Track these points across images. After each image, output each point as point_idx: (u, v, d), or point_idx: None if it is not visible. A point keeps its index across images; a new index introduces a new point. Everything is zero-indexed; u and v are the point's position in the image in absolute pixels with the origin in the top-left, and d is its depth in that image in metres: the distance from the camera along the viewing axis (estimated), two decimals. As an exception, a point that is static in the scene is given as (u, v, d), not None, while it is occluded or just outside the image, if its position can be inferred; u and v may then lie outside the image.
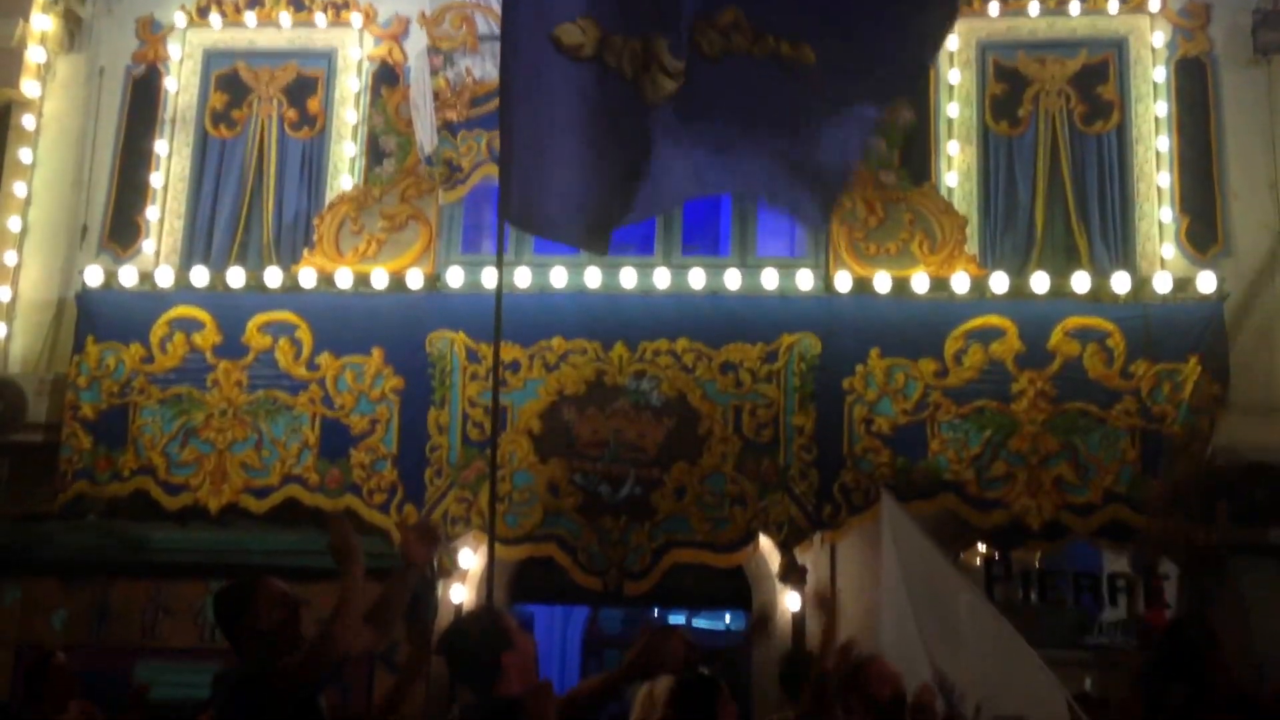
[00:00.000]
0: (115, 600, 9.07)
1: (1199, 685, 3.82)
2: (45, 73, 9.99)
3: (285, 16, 10.00)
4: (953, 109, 9.48)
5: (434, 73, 9.24)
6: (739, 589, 9.18)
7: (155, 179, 9.76)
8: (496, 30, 7.46)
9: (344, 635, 3.44)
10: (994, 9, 9.56)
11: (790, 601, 8.87)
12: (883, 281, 8.86)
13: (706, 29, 5.57)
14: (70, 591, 9.10)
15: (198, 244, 9.64)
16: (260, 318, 9.13)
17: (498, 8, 6.84)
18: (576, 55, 5.63)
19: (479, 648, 3.52)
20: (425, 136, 9.20)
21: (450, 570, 8.99)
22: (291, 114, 9.89)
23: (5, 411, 9.08)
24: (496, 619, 3.80)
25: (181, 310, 9.17)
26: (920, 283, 8.83)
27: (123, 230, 9.74)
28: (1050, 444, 8.50)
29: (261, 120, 9.87)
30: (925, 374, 8.69)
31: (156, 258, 9.57)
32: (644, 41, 5.62)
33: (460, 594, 9.03)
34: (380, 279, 9.19)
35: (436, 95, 9.20)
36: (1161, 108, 9.31)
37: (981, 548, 9.03)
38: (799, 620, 8.85)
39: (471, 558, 9.05)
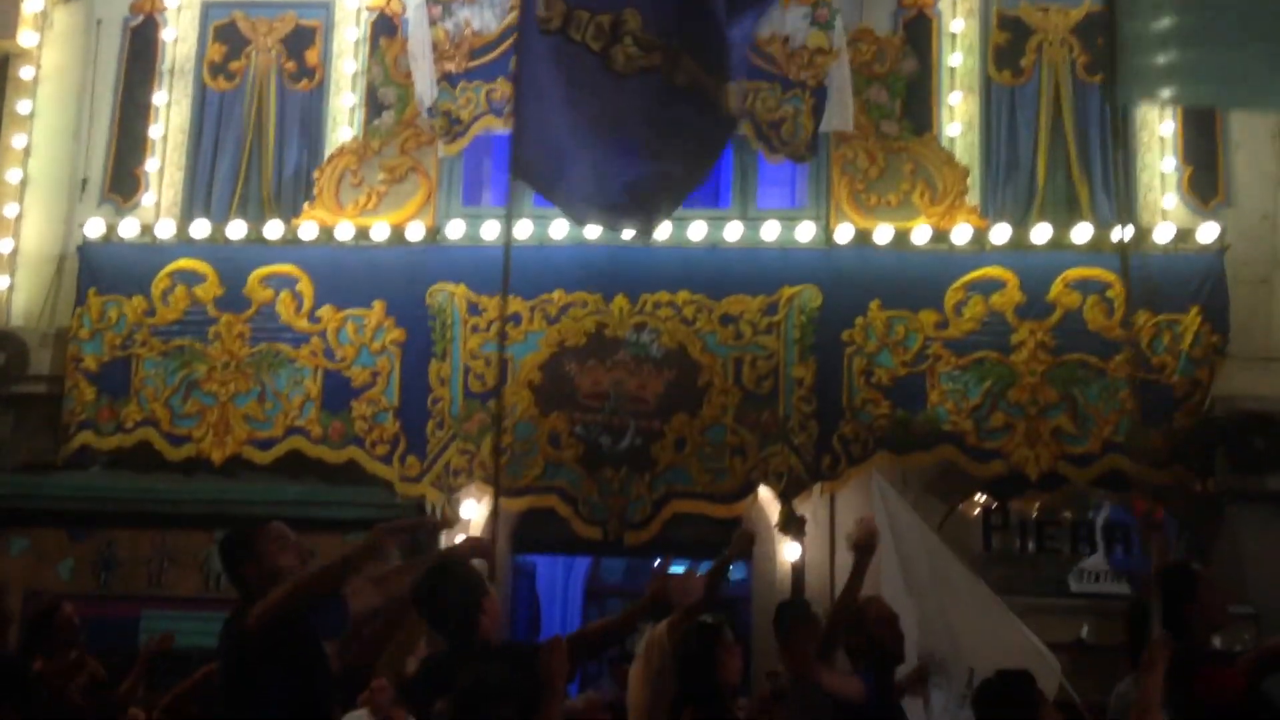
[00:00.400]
0: (121, 550, 9.17)
1: (1178, 636, 3.88)
2: (43, 23, 9.93)
3: (283, -35, 9.92)
4: (955, 59, 9.42)
5: (432, 23, 9.17)
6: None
7: (154, 131, 9.74)
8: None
9: (323, 582, 3.44)
10: (997, -43, 9.47)
11: (789, 552, 8.95)
12: (884, 233, 8.85)
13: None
14: (76, 541, 9.20)
15: (198, 196, 9.63)
16: (261, 271, 9.14)
17: None
18: (545, 28, 5.74)
19: (462, 593, 3.54)
20: (424, 88, 9.16)
21: (453, 521, 9.06)
22: (290, 65, 9.83)
23: (8, 363, 9.13)
24: (469, 566, 3.82)
25: (183, 263, 9.18)
26: (921, 234, 8.83)
27: (123, 182, 9.72)
28: (1049, 395, 8.54)
29: (260, 72, 9.81)
30: (925, 325, 8.71)
31: (157, 210, 9.56)
32: (613, 16, 5.73)
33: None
34: (381, 232, 9.19)
35: (435, 47, 9.14)
36: (1165, 57, 9.23)
37: (980, 498, 9.08)
38: (798, 570, 8.93)
39: (475, 508, 9.12)
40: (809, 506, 8.81)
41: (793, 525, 8.74)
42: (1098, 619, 8.31)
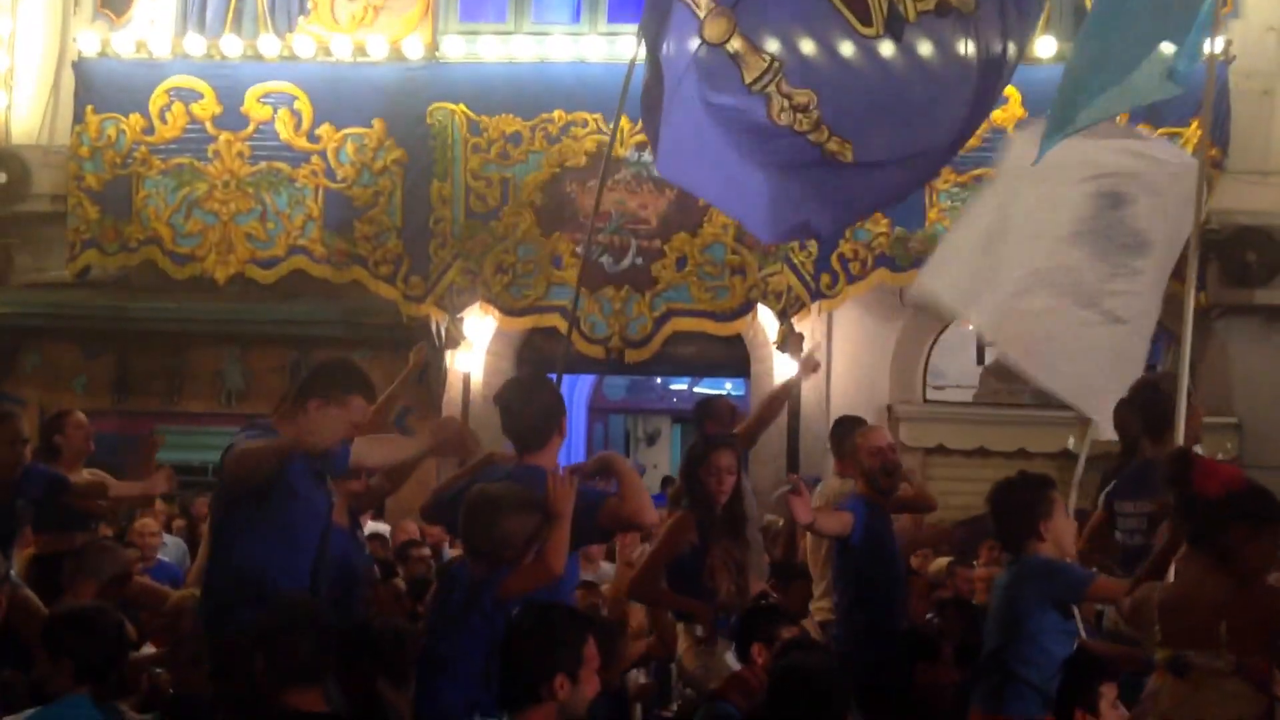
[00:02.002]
0: (134, 367, 9.37)
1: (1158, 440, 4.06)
2: None
3: None
4: None
5: None
6: (738, 357, 9.43)
7: (145, -60, 9.47)
8: None
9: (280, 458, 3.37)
10: None
11: (786, 370, 9.12)
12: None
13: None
14: (89, 359, 9.40)
15: (191, 10, 9.41)
16: (259, 88, 9.05)
17: None
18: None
19: (550, 407, 3.58)
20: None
21: (457, 340, 9.22)
22: None
23: (10, 182, 9.13)
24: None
25: (179, 80, 9.08)
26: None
27: (114, -3, 9.52)
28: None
29: (249, -121, 9.49)
30: (926, 143, 8.68)
31: (151, 25, 9.38)
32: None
33: (466, 363, 9.29)
34: (378, 47, 9.06)
35: None
36: None
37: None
38: (795, 387, 9.12)
39: (478, 328, 9.27)
40: (807, 324, 8.94)
41: (791, 342, 8.89)
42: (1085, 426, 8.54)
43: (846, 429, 5.45)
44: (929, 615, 5.25)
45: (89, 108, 9.08)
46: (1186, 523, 3.14)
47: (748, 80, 5.19)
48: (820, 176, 5.31)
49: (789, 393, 5.16)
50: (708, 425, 5.20)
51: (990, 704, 3.50)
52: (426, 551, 6.44)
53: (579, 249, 8.91)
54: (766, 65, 5.19)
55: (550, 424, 3.59)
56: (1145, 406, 4.32)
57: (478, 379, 9.43)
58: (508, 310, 9.06)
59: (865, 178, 5.39)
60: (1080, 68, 4.28)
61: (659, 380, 11.72)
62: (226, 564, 3.45)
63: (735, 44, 5.20)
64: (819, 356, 7.98)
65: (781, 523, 6.63)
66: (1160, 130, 8.33)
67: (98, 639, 3.20)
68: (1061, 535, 3.66)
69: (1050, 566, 3.56)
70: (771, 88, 5.21)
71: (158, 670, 4.48)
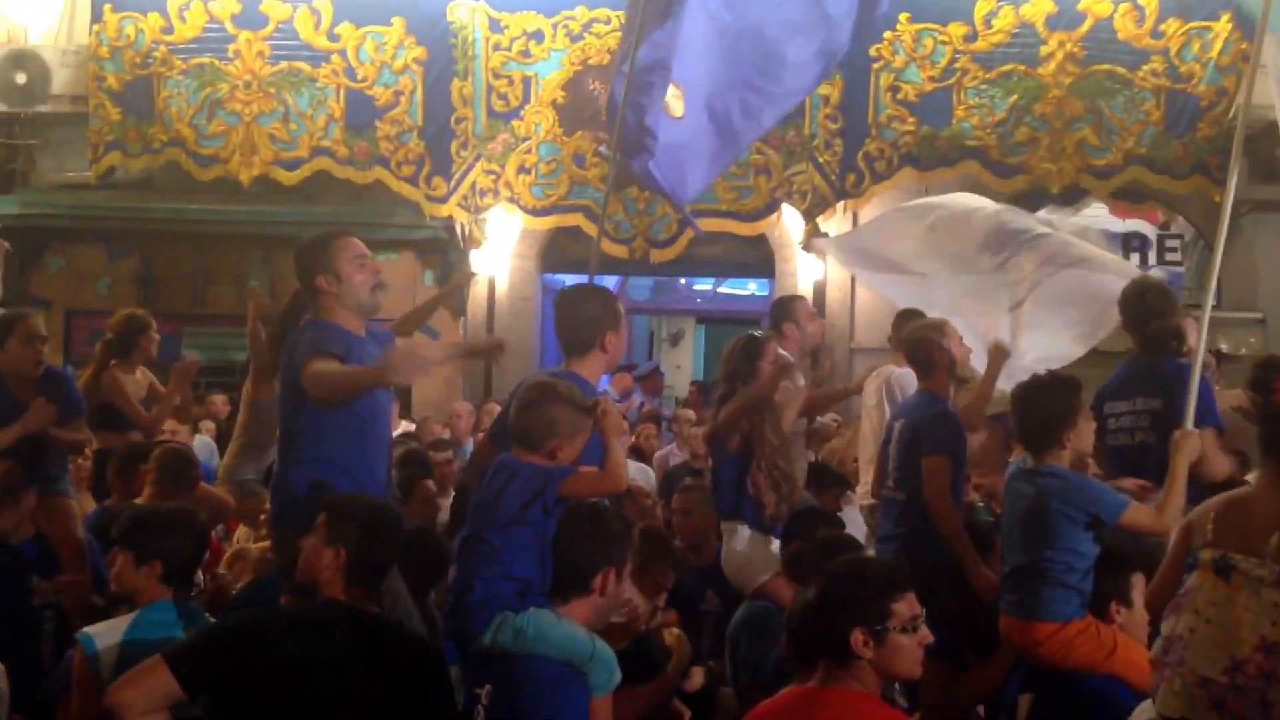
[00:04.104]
0: (159, 269, 9.41)
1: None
2: None
3: None
4: None
5: None
6: (763, 257, 9.42)
7: None
8: None
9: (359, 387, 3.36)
10: None
11: (812, 270, 9.12)
12: (915, -57, 8.57)
13: None
14: (112, 260, 9.44)
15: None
16: (277, -15, 8.96)
17: None
18: None
19: (591, 318, 3.53)
20: None
21: (480, 241, 9.22)
22: None
23: (30, 83, 9.08)
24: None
25: (197, -23, 8.99)
26: (953, -58, 8.54)
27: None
28: (1075, 107, 8.48)
29: None
30: (954, 38, 8.57)
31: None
32: None
33: (490, 265, 9.29)
34: (397, -58, 8.92)
35: None
36: None
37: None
38: (820, 288, 9.13)
39: (501, 229, 9.26)
40: (833, 224, 8.91)
41: (816, 242, 8.86)
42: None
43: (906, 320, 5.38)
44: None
45: (107, 6, 8.98)
46: (1261, 429, 3.12)
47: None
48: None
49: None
50: (786, 327, 5.09)
51: (1026, 610, 3.46)
52: (450, 454, 6.33)
53: (602, 148, 8.86)
54: None
55: (589, 334, 3.52)
56: (1130, 309, 4.34)
57: (502, 281, 9.45)
58: (531, 210, 9.04)
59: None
60: None
61: (683, 281, 11.70)
62: (299, 461, 3.41)
63: None
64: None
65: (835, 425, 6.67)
66: (1190, 24, 8.21)
67: (186, 541, 3.21)
68: (1082, 439, 3.65)
69: (1084, 491, 3.50)
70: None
71: (222, 573, 4.57)
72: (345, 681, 2.65)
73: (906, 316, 5.30)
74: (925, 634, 2.56)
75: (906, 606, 2.55)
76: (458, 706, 2.98)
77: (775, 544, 4.29)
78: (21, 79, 9.08)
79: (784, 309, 5.28)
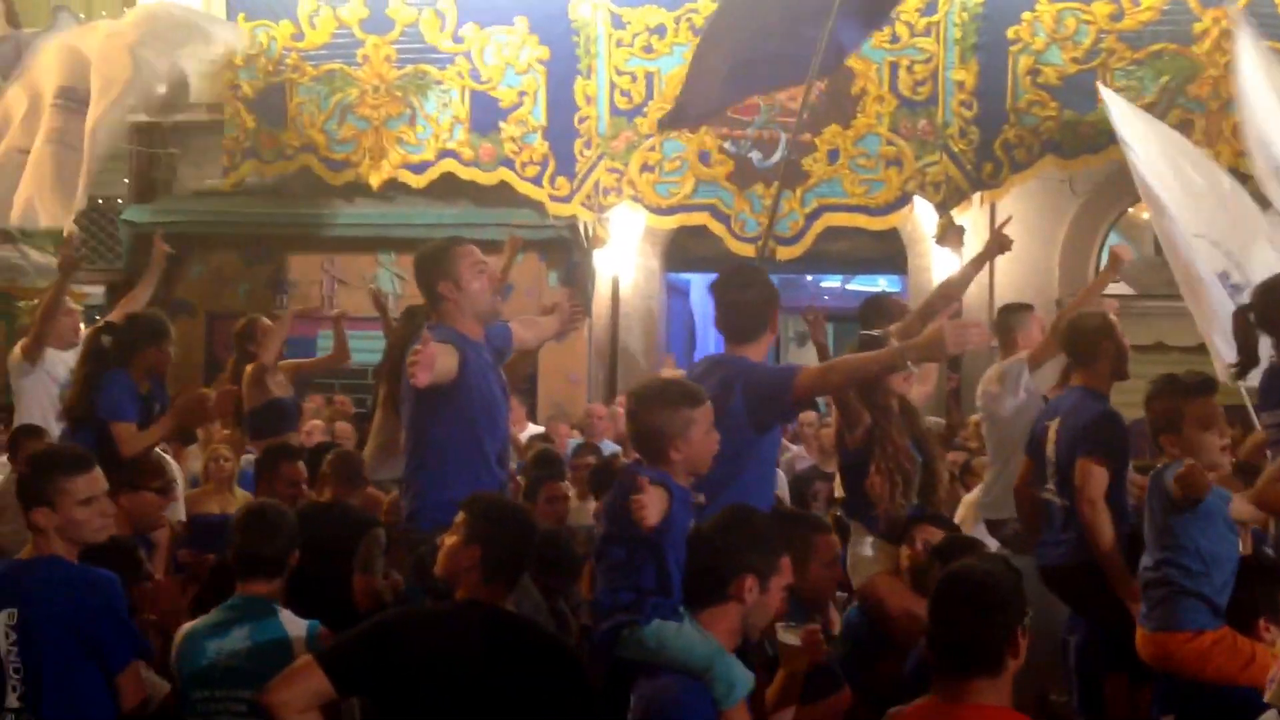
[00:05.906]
0: (293, 273, 9.59)
1: None
2: None
3: None
4: None
5: None
6: (893, 252, 9.13)
7: None
8: None
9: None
10: None
11: (946, 264, 8.78)
12: (1055, -83, 8.17)
13: None
14: (250, 265, 9.64)
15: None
16: (403, -10, 9.03)
17: None
18: None
19: (766, 299, 3.53)
20: None
21: (603, 240, 9.15)
22: None
23: (170, 92, 9.31)
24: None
25: (326, -16, 9.12)
26: (1097, -84, 8.11)
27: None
28: (1233, 88, 7.94)
29: None
30: (1099, 17, 8.13)
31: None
32: None
33: (614, 264, 9.21)
34: (519, -57, 8.89)
35: None
36: None
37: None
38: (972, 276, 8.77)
39: (625, 228, 9.16)
40: (969, 216, 8.57)
41: (951, 236, 8.55)
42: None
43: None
44: None
45: (241, 15, 9.19)
46: None
47: None
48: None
49: (965, 285, 4.84)
50: (877, 324, 4.90)
51: (1159, 621, 3.24)
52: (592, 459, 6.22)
53: (727, 145, 8.68)
54: None
55: (760, 318, 3.54)
56: (1262, 311, 3.93)
57: (626, 281, 9.36)
58: (655, 209, 8.92)
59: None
60: None
61: (810, 278, 11.46)
62: (422, 462, 3.52)
63: None
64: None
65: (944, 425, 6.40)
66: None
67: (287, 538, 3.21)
68: (1203, 449, 3.37)
69: None
70: None
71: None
72: (486, 679, 2.67)
73: (1010, 311, 5.06)
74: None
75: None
76: (596, 707, 2.90)
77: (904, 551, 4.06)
78: (161, 89, 9.32)
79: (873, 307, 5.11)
